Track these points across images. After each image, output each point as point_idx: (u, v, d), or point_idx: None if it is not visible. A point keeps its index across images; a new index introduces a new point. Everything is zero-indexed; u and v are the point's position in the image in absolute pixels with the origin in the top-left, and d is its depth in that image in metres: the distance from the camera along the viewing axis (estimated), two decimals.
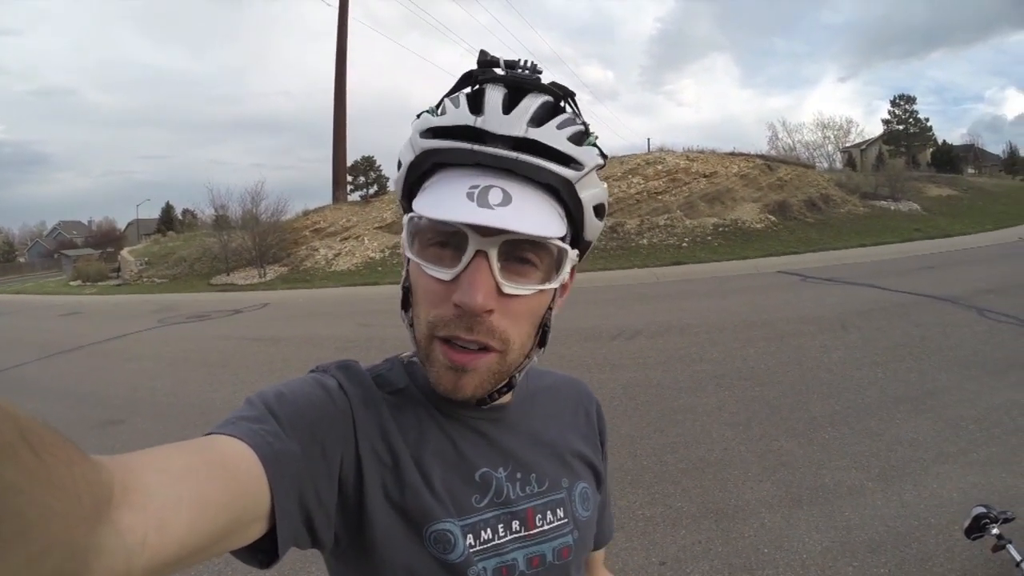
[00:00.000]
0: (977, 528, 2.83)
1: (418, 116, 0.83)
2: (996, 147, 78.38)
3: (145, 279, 27.42)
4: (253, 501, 0.65)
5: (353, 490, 0.80)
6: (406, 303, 0.87)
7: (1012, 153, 65.99)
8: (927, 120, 56.41)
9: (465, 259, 0.75)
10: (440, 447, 0.88)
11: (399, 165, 0.86)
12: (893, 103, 56.98)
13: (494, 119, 0.77)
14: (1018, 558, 2.69)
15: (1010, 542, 2.75)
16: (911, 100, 56.69)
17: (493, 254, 0.75)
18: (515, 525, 0.89)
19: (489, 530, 0.87)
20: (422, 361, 0.84)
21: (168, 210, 63.55)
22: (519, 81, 0.82)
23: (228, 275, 24.73)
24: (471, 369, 0.80)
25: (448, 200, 0.74)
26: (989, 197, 31.85)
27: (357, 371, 0.90)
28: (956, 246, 19.33)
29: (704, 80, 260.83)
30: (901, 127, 55.67)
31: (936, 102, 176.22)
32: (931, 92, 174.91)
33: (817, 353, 7.85)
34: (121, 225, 79.82)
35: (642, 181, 24.91)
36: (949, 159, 50.31)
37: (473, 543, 0.85)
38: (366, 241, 24.58)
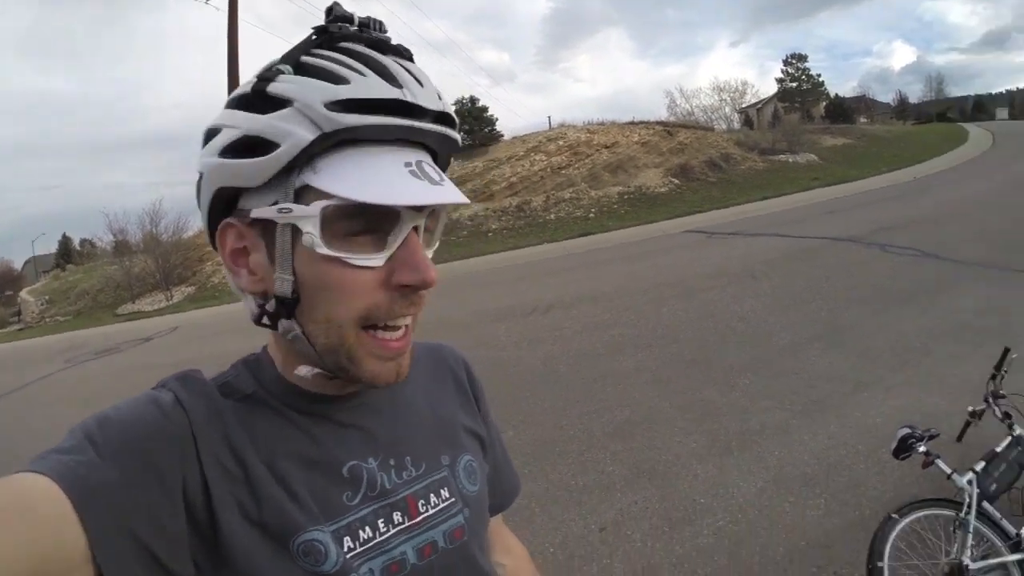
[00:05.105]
0: (904, 448, 2.89)
1: (266, 79, 0.69)
2: (886, 96, 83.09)
3: (48, 319, 26.44)
4: (61, 543, 0.58)
5: (204, 512, 0.70)
6: (288, 313, 0.74)
7: (901, 101, 71.67)
8: (819, 76, 59.34)
9: (400, 238, 0.71)
10: (299, 449, 0.79)
11: (265, 145, 0.68)
12: (785, 62, 59.74)
13: (416, 91, 0.71)
14: (948, 471, 2.74)
15: (938, 457, 2.79)
16: (803, 58, 59.43)
17: (420, 227, 0.74)
18: (397, 516, 0.82)
19: (368, 528, 0.78)
20: (341, 362, 0.74)
21: (65, 242, 60.74)
22: (392, 46, 0.75)
23: (134, 303, 23.99)
24: (406, 351, 0.77)
25: (394, 181, 0.68)
26: (882, 142, 33.62)
27: (197, 381, 0.79)
28: (854, 190, 20.07)
29: (599, 55, 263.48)
30: (794, 84, 58.17)
31: (827, 59, 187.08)
32: (821, 50, 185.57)
33: (729, 304, 7.97)
34: (18, 265, 76.22)
35: (545, 158, 25.23)
36: (842, 111, 53.20)
37: (353, 545, 0.76)
38: None
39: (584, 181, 23.81)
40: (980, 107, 73.08)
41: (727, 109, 50.35)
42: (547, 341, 7.58)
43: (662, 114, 42.61)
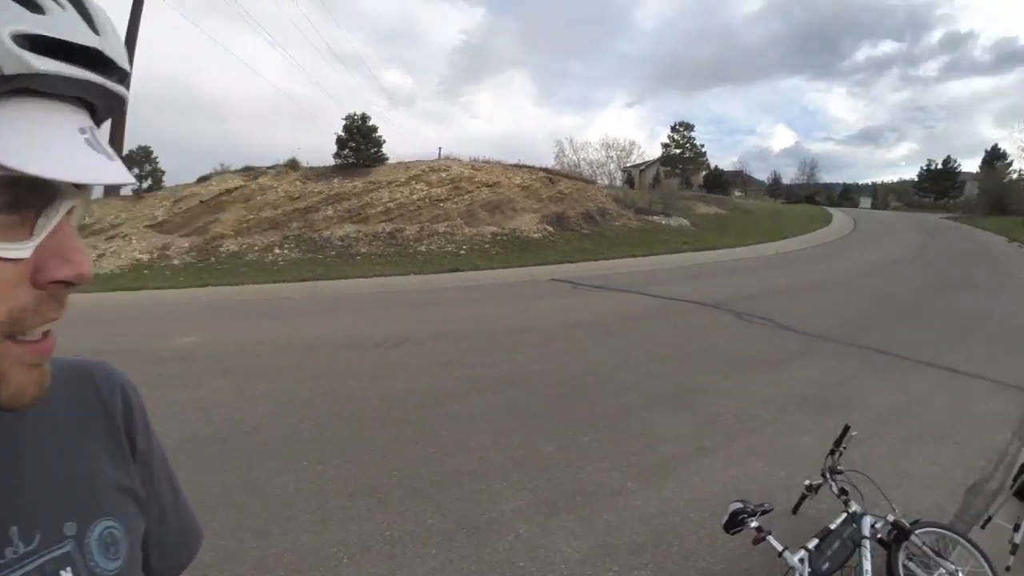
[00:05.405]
0: (735, 523, 2.77)
1: None
2: (762, 174, 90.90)
3: None
4: None
5: None
6: None
7: (775, 180, 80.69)
8: (703, 146, 64.11)
9: (54, 221, 0.56)
10: None
11: None
12: (673, 129, 63.69)
13: (113, 42, 0.57)
14: (779, 548, 2.66)
15: (770, 533, 2.67)
16: (690, 127, 63.86)
17: (75, 209, 0.59)
18: None
19: None
20: None
21: None
22: None
23: None
24: (48, 358, 0.60)
25: (71, 152, 0.53)
26: (752, 216, 35.97)
27: None
28: (720, 258, 20.99)
29: (501, 94, 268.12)
30: (679, 151, 62.22)
31: (713, 131, 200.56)
32: (710, 122, 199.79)
33: (583, 357, 7.89)
34: None
35: (425, 188, 25.19)
36: (720, 182, 57.94)
37: None
38: (134, 241, 22.46)
39: (460, 217, 23.88)
40: (846, 194, 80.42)
41: (612, 166, 52.32)
42: (391, 377, 7.17)
43: (550, 162, 43.65)
